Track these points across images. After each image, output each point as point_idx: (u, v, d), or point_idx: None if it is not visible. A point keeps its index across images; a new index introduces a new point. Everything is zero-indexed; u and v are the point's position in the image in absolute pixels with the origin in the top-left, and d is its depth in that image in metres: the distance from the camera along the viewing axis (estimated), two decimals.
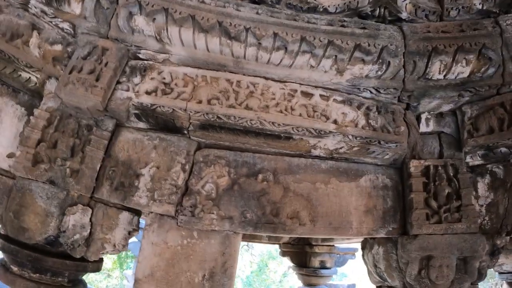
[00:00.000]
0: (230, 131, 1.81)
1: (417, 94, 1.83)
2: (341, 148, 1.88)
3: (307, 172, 1.90)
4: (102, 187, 1.76)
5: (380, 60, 1.72)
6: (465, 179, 1.84)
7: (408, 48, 1.72)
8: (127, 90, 1.74)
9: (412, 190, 1.85)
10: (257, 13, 1.67)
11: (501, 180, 1.88)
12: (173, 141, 1.85)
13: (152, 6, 1.62)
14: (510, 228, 1.81)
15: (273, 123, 1.75)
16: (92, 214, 1.75)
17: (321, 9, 1.76)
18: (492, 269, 2.13)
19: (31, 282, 1.73)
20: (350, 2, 1.75)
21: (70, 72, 1.69)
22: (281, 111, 1.76)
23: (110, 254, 1.89)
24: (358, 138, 1.82)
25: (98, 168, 1.74)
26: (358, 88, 1.83)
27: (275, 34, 1.65)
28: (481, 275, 1.87)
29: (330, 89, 1.85)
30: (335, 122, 1.80)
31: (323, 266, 4.46)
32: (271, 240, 4.47)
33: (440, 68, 1.74)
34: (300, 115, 1.77)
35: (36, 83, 1.93)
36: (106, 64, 1.69)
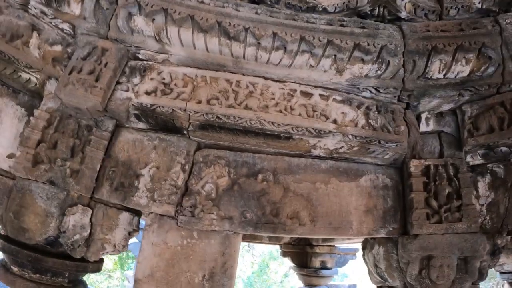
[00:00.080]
0: (230, 131, 1.81)
1: (417, 94, 1.83)
2: (341, 148, 1.88)
3: (307, 172, 1.90)
4: (102, 187, 1.76)
5: (380, 60, 1.71)
6: (465, 179, 1.84)
7: (407, 48, 1.72)
8: (127, 90, 1.74)
9: (413, 190, 1.85)
10: (256, 13, 1.67)
11: (501, 179, 1.87)
12: (172, 142, 1.85)
13: (152, 6, 1.63)
14: (511, 228, 1.81)
15: (272, 123, 1.75)
16: (92, 214, 1.76)
17: (320, 9, 1.76)
18: (493, 269, 2.12)
19: (31, 282, 1.73)
20: (349, 1, 1.75)
21: (70, 73, 1.69)
22: (280, 111, 1.76)
23: (110, 254, 1.89)
24: (358, 138, 1.81)
25: (98, 169, 1.74)
26: (358, 88, 1.83)
27: (275, 34, 1.65)
28: (482, 275, 1.87)
29: (330, 88, 1.85)
30: (334, 121, 1.80)
31: (323, 267, 4.45)
32: (272, 240, 4.47)
33: (439, 67, 1.73)
34: (300, 115, 1.77)
35: (36, 84, 1.93)
36: (105, 65, 1.70)
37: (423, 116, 1.94)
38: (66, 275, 1.80)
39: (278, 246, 5.01)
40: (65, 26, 1.78)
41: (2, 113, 1.91)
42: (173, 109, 1.73)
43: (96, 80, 1.66)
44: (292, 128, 1.76)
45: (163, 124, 1.83)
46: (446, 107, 1.91)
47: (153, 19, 1.65)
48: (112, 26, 1.73)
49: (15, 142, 1.86)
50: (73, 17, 1.75)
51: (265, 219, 1.79)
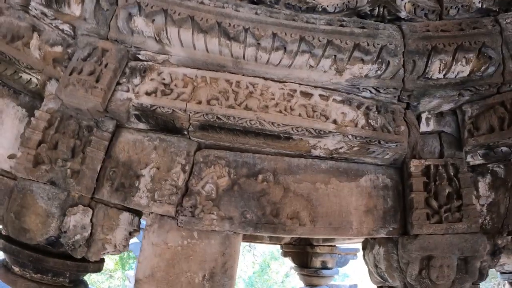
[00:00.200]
0: (230, 131, 1.82)
1: (417, 94, 1.83)
2: (341, 148, 1.88)
3: (307, 172, 1.90)
4: (103, 187, 1.77)
5: (380, 60, 1.71)
6: (465, 179, 1.83)
7: (407, 48, 1.72)
8: (127, 91, 1.75)
9: (413, 190, 1.85)
10: (256, 13, 1.67)
11: (502, 179, 1.87)
12: (173, 142, 1.85)
13: (151, 7, 1.63)
14: (511, 228, 1.80)
15: (272, 123, 1.75)
16: (92, 214, 1.76)
17: (320, 9, 1.76)
18: (494, 269, 2.12)
19: (33, 282, 1.74)
20: (349, 1, 1.75)
21: (71, 74, 1.70)
22: (280, 111, 1.76)
23: (111, 254, 1.89)
24: (358, 138, 1.81)
25: (98, 169, 1.75)
26: (358, 88, 1.83)
27: (274, 34, 1.65)
28: (482, 275, 1.86)
29: (330, 89, 1.85)
30: (334, 122, 1.80)
31: (324, 267, 4.45)
32: (273, 240, 4.47)
33: (439, 67, 1.73)
34: (300, 115, 1.77)
35: (37, 85, 1.94)
36: (106, 65, 1.70)
37: (423, 116, 1.94)
38: (67, 275, 1.81)
39: (279, 246, 5.01)
40: (66, 27, 1.79)
41: (3, 113, 1.92)
42: (173, 110, 1.73)
43: (97, 81, 1.67)
44: (292, 128, 1.77)
45: (164, 125, 1.84)
46: (446, 107, 1.91)
47: (153, 20, 1.66)
48: (112, 27, 1.73)
49: (16, 142, 1.86)
50: (74, 18, 1.75)
51: (265, 219, 1.80)
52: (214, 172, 1.82)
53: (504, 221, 1.82)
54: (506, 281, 3.15)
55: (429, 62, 1.72)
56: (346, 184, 1.92)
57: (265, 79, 1.82)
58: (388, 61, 1.72)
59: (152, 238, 1.76)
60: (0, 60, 1.86)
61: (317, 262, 4.41)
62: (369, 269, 2.25)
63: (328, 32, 1.67)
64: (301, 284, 4.94)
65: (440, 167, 1.86)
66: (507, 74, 1.74)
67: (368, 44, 1.67)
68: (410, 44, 1.72)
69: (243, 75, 1.81)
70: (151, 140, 1.85)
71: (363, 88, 1.83)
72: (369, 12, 1.80)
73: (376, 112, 1.86)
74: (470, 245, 1.78)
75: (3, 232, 1.81)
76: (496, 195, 1.86)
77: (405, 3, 1.79)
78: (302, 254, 4.49)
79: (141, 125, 1.86)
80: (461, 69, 1.73)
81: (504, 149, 1.81)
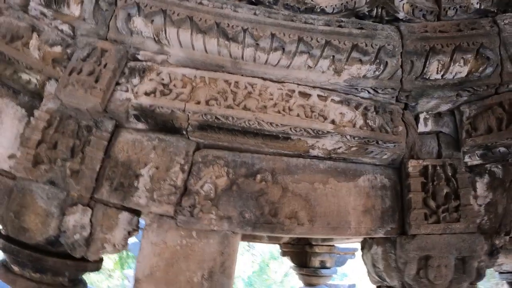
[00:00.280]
0: (229, 131, 1.82)
1: (415, 94, 1.83)
2: (339, 148, 1.88)
3: (305, 172, 1.91)
4: (102, 187, 1.77)
5: (378, 60, 1.72)
6: (463, 179, 1.84)
7: (405, 48, 1.73)
8: (126, 91, 1.75)
9: (411, 190, 1.85)
10: (255, 14, 1.68)
11: (500, 179, 1.87)
12: (172, 142, 1.86)
13: (150, 7, 1.64)
14: (509, 228, 1.81)
15: (271, 123, 1.76)
16: (92, 214, 1.76)
17: (318, 10, 1.76)
18: (492, 268, 2.13)
19: (32, 282, 1.75)
20: (347, 2, 1.76)
21: (70, 74, 1.70)
22: (279, 112, 1.77)
23: (110, 254, 1.90)
24: (356, 138, 1.82)
25: (97, 169, 1.75)
26: (356, 88, 1.84)
27: (273, 35, 1.65)
28: (480, 275, 1.87)
29: (328, 89, 1.86)
30: (333, 122, 1.80)
31: (323, 266, 4.46)
32: (272, 240, 4.48)
33: (437, 68, 1.74)
34: (298, 115, 1.78)
35: (36, 85, 1.94)
36: (105, 66, 1.71)
37: (421, 116, 1.95)
38: (67, 274, 1.82)
39: (278, 246, 5.02)
40: (65, 27, 1.79)
41: (3, 113, 1.92)
42: (172, 110, 1.74)
43: (96, 81, 1.68)
44: (290, 128, 1.77)
45: (163, 125, 1.84)
46: (444, 107, 1.92)
47: (152, 20, 1.66)
48: (112, 27, 1.74)
49: (16, 142, 1.87)
50: (73, 18, 1.76)
51: (264, 219, 1.80)
52: (213, 172, 1.82)
53: (502, 221, 1.83)
54: (504, 281, 3.16)
55: (427, 62, 1.73)
56: (344, 184, 1.93)
57: (264, 79, 1.83)
58: (386, 62, 1.73)
59: (151, 238, 1.77)
60: (0, 60, 1.87)
61: (316, 262, 4.42)
62: (367, 269, 2.26)
63: (326, 32, 1.68)
64: (300, 283, 4.95)
65: (438, 168, 1.87)
66: (505, 75, 1.74)
67: (366, 45, 1.68)
68: (408, 44, 1.72)
69: (241, 75, 1.81)
70: (150, 140, 1.85)
71: (361, 89, 1.84)
72: (367, 13, 1.81)
73: (374, 113, 1.87)
74: (467, 245, 1.78)
75: (3, 232, 1.81)
76: (494, 195, 1.86)
77: (403, 4, 1.79)
78: (301, 253, 4.50)
79: (140, 125, 1.86)
80: (459, 70, 1.74)
81: (502, 149, 1.82)
